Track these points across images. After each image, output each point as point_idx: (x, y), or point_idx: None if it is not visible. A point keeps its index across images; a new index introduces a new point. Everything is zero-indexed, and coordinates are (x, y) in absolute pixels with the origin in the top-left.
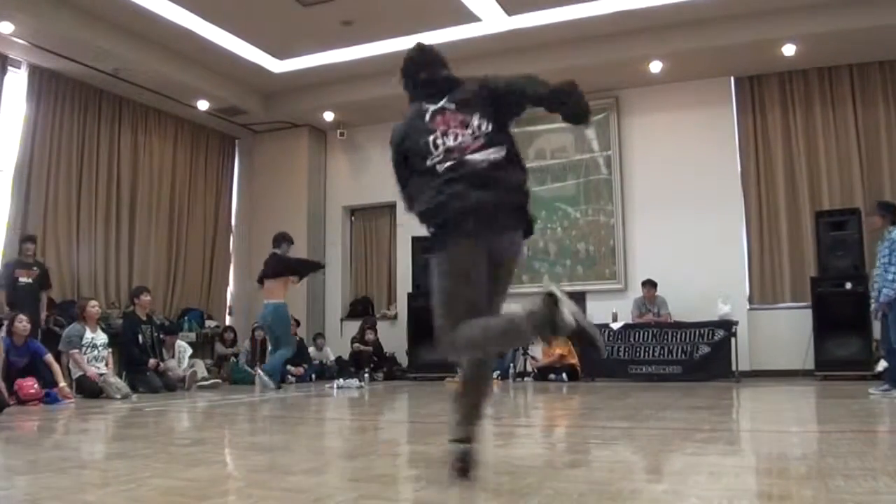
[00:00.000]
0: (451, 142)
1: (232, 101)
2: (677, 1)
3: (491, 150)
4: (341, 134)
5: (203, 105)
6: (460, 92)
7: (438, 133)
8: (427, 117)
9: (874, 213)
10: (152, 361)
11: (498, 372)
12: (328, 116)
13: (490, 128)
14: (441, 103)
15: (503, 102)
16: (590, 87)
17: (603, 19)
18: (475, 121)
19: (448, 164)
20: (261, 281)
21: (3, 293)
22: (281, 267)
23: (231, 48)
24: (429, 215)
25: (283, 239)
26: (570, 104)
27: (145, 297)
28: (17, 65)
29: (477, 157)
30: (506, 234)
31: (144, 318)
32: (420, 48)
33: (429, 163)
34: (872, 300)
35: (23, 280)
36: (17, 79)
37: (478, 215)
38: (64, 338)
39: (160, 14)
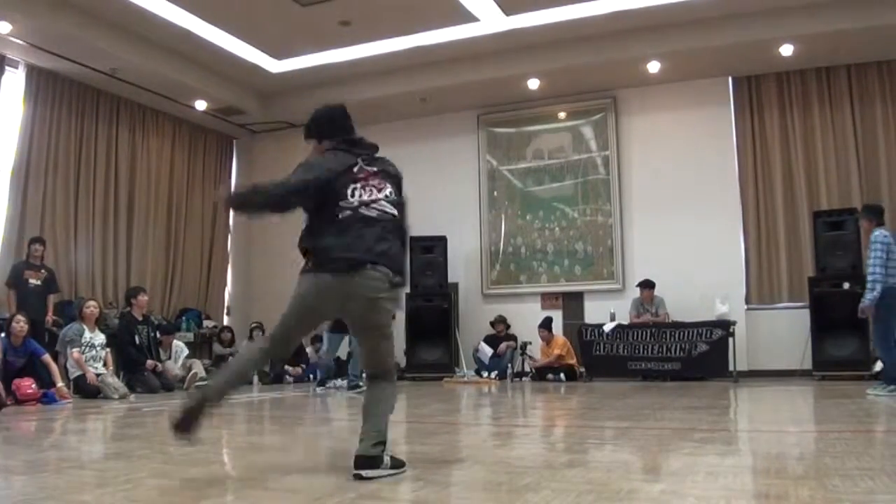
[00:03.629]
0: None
1: (230, 101)
2: (675, 1)
3: None
4: None
5: (201, 105)
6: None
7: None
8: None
9: (862, 218)
10: (150, 363)
11: (496, 372)
12: None
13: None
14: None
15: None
16: (588, 86)
17: (601, 19)
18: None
19: None
20: None
21: (14, 293)
22: None
23: (229, 48)
24: None
25: None
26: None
27: (142, 298)
28: (14, 65)
29: None
30: None
31: (141, 319)
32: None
33: None
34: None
35: (32, 282)
36: (15, 79)
37: None
38: (62, 337)
39: (158, 14)
